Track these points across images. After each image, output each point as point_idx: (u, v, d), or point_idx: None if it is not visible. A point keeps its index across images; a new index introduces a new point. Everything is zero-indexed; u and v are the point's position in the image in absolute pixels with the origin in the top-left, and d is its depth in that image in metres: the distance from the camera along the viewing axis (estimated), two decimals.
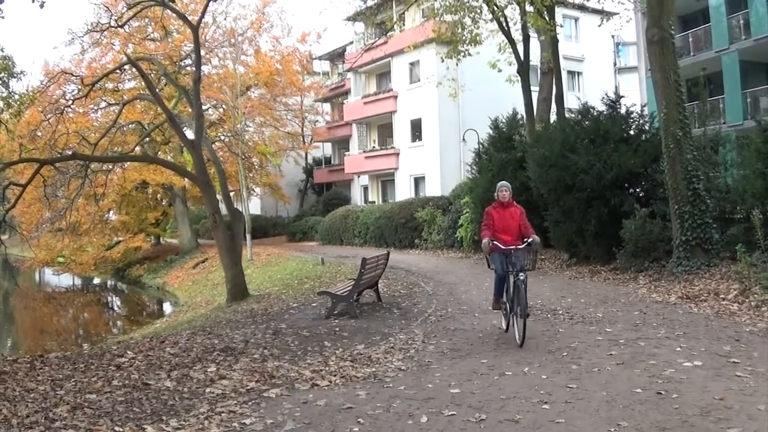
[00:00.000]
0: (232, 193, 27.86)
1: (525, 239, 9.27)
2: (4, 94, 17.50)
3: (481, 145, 25.60)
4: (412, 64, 39.49)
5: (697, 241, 13.70)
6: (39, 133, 25.08)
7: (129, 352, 9.87)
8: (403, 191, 40.26)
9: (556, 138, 18.37)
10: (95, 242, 38.37)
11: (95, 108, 33.39)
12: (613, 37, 42.65)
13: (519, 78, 23.26)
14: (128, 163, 32.14)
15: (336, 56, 52.10)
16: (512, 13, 23.03)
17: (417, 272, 19.84)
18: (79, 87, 23.54)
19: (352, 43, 45.95)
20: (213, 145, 29.42)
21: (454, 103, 31.32)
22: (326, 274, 22.02)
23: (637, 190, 17.40)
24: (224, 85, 35.43)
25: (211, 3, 20.52)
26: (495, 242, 9.15)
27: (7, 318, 32.14)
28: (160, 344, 10.76)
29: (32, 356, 10.18)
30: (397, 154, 41.34)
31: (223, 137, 39.47)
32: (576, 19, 41.63)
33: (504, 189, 9.67)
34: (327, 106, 53.82)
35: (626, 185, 17.14)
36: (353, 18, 38.63)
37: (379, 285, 14.96)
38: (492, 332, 10.17)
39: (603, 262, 17.07)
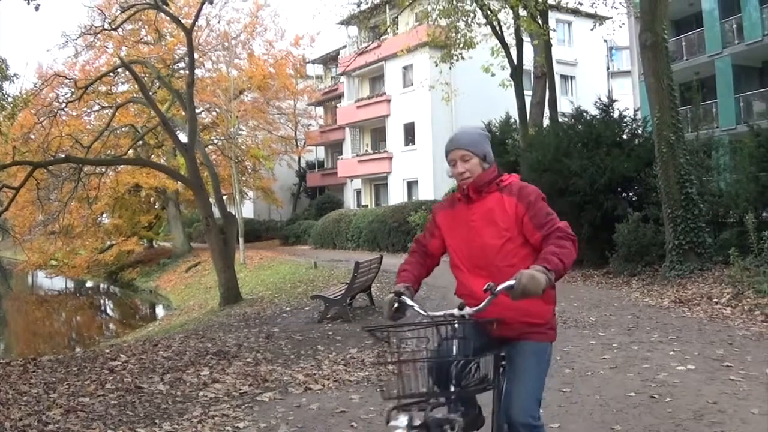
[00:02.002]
0: (225, 197, 27.81)
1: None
2: None
3: None
4: (405, 68, 39.51)
5: (690, 245, 13.71)
6: (32, 136, 25.03)
7: (122, 355, 9.84)
8: (396, 195, 40.24)
9: (550, 142, 18.38)
10: (88, 245, 38.26)
11: (88, 111, 33.32)
12: (606, 41, 42.76)
13: (512, 82, 23.31)
14: (121, 166, 32.09)
15: (329, 60, 52.11)
16: (506, 17, 23.06)
17: None
18: (73, 90, 23.51)
19: (345, 46, 45.99)
20: (206, 149, 29.42)
21: (447, 107, 31.33)
22: (319, 277, 22.00)
23: (630, 194, 17.45)
24: (217, 89, 35.39)
25: (204, 6, 20.52)
26: (405, 301, 3.54)
27: (0, 321, 32.05)
28: (153, 348, 10.74)
29: (25, 359, 10.16)
30: (390, 158, 41.34)
31: (216, 141, 39.42)
32: (569, 24, 41.73)
33: (458, 149, 3.62)
34: (320, 110, 53.82)
35: (619, 189, 17.17)
36: (347, 22, 38.71)
37: (372, 289, 14.96)
38: None
39: (596, 266, 17.08)
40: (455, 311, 3.28)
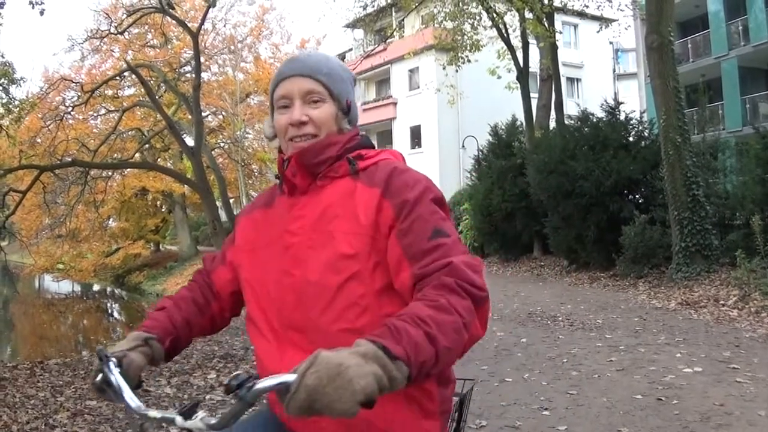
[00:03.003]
0: (231, 200, 27.83)
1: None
2: (5, 100, 17.53)
3: (480, 152, 25.65)
4: (411, 70, 39.53)
5: (696, 248, 13.70)
6: (39, 140, 25.10)
7: None
8: None
9: (556, 144, 18.39)
10: (95, 249, 38.34)
11: (95, 115, 33.37)
12: (612, 43, 42.73)
13: (518, 85, 23.28)
14: (128, 169, 32.17)
15: None
16: (511, 19, 23.07)
17: None
18: (79, 94, 23.58)
19: (351, 49, 46.03)
20: (212, 152, 29.43)
21: (454, 109, 31.34)
22: None
23: (637, 196, 17.43)
24: (224, 92, 35.39)
25: (210, 10, 20.56)
26: (108, 378, 1.74)
27: (7, 324, 32.08)
28: None
29: (32, 363, 10.16)
30: None
31: (222, 144, 39.45)
32: (575, 26, 41.69)
33: (303, 75, 1.90)
34: None
35: (625, 191, 17.16)
36: (352, 25, 38.72)
37: None
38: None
39: (602, 269, 17.07)
40: (176, 417, 1.61)
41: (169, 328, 2.00)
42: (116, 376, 1.74)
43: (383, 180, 1.82)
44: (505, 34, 22.77)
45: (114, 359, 1.76)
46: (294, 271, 1.83)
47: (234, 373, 1.44)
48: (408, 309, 1.55)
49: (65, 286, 44.78)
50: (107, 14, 23.57)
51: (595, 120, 18.27)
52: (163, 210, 45.50)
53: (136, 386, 1.80)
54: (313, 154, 1.88)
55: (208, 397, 7.15)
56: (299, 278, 1.81)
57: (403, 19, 28.10)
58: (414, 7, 23.79)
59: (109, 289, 44.36)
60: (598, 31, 25.94)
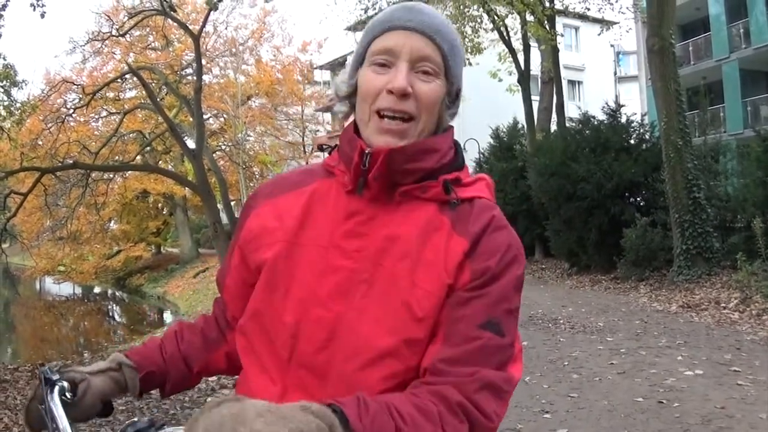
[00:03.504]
0: (233, 203, 27.80)
1: None
2: (6, 103, 17.53)
3: (481, 155, 25.63)
4: None
5: (697, 250, 13.69)
6: (40, 142, 25.09)
7: None
8: None
9: (557, 147, 18.39)
10: (96, 251, 38.29)
11: (96, 117, 33.35)
12: (613, 46, 42.73)
13: (520, 87, 23.30)
14: (129, 172, 32.16)
15: (337, 66, 51.98)
16: (513, 22, 23.08)
17: None
18: (80, 96, 23.60)
19: (352, 52, 45.89)
20: (214, 155, 29.45)
21: None
22: None
23: (638, 199, 17.43)
24: (225, 95, 35.44)
25: (212, 13, 20.57)
26: (51, 408, 1.39)
27: (8, 326, 32.09)
28: None
29: (33, 365, 10.17)
30: None
31: (223, 146, 39.48)
32: (576, 29, 41.65)
33: (425, 34, 1.39)
34: (328, 116, 53.75)
35: (627, 194, 17.16)
36: (354, 27, 38.64)
37: None
38: None
39: (603, 271, 17.06)
40: None
41: (155, 358, 1.64)
42: (56, 405, 1.41)
43: (476, 233, 1.36)
44: (507, 37, 22.80)
45: (63, 383, 1.44)
46: (333, 305, 1.36)
47: (131, 419, 1.17)
48: (388, 396, 1.21)
49: (66, 289, 44.77)
50: (108, 16, 23.64)
51: (596, 123, 18.27)
52: (164, 212, 45.54)
53: (99, 413, 1.55)
54: (407, 158, 1.38)
55: (209, 399, 7.15)
56: (339, 318, 1.35)
57: None
58: None
59: (110, 292, 44.35)
60: (599, 34, 25.98)
